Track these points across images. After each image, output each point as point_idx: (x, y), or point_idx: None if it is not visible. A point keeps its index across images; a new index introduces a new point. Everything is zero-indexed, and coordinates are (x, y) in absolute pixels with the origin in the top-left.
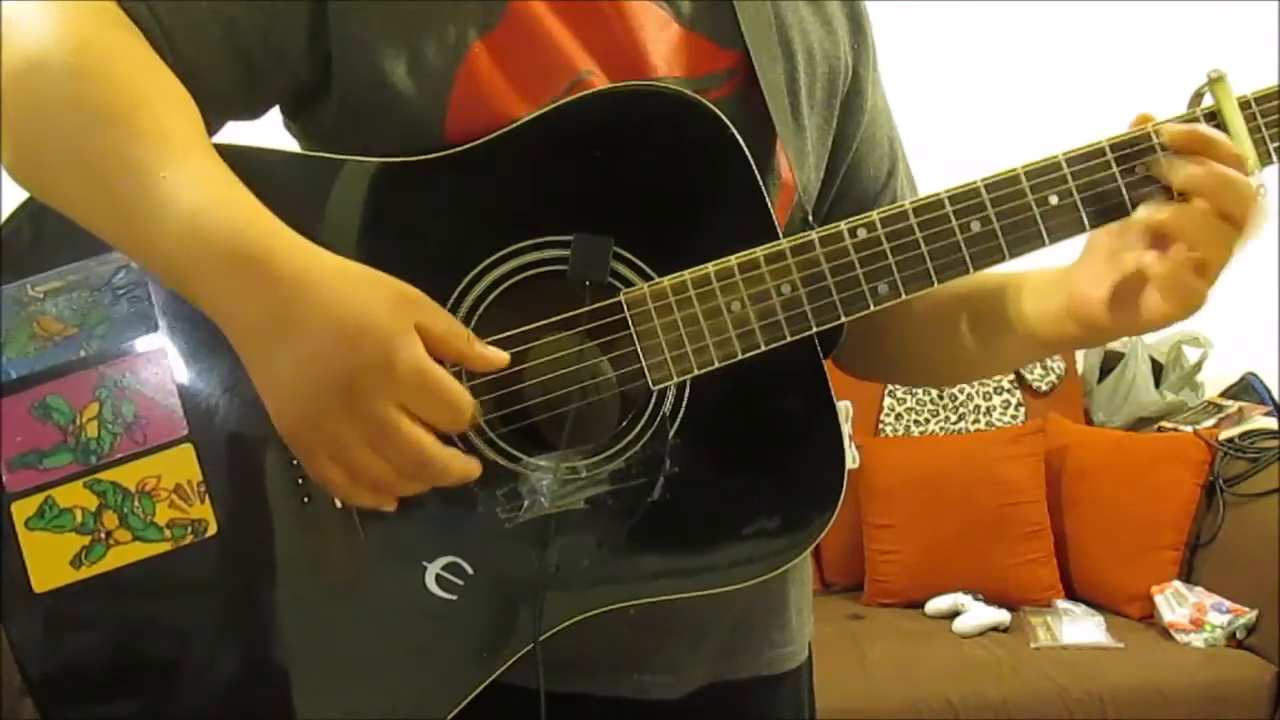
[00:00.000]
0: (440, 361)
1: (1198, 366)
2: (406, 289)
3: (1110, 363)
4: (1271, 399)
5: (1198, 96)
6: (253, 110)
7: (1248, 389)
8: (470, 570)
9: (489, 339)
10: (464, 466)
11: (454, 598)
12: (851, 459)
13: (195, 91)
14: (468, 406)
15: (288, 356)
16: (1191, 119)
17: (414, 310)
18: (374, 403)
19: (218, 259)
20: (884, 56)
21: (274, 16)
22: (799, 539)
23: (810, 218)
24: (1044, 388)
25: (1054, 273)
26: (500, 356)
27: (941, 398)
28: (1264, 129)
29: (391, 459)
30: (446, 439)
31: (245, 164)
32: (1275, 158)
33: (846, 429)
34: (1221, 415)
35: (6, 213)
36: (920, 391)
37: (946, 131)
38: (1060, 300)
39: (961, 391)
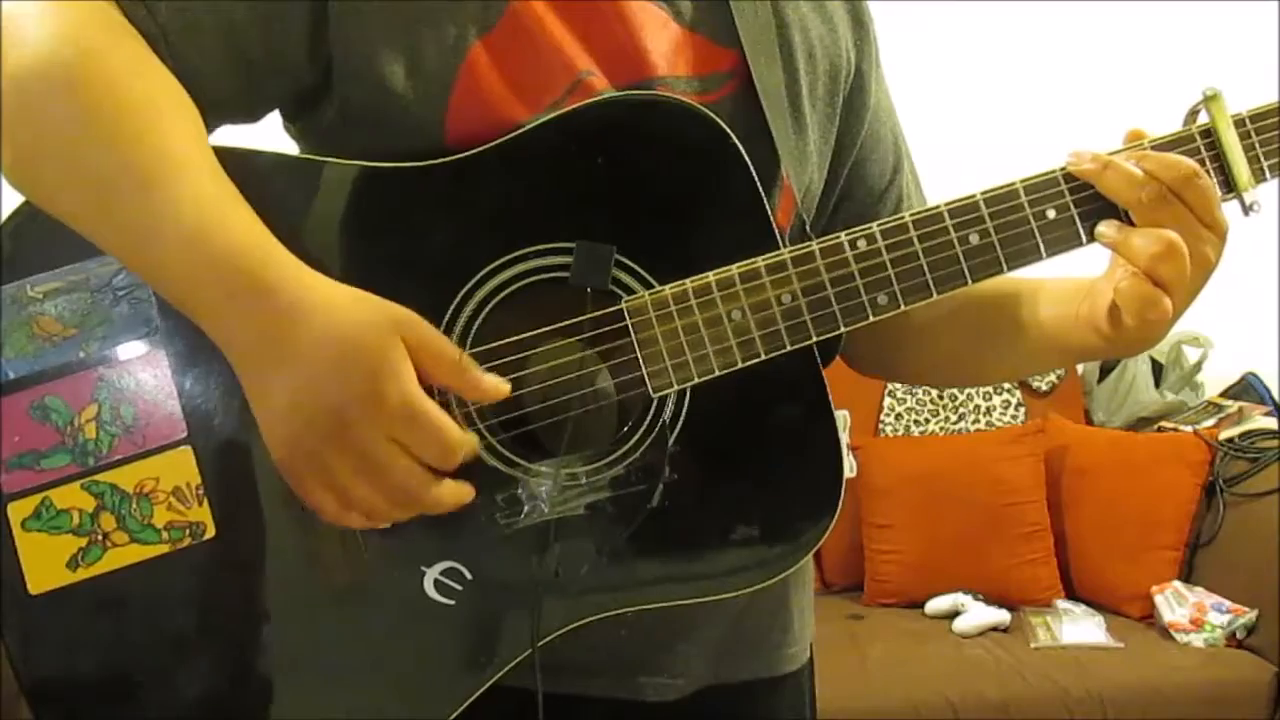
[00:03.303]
0: (448, 333)
1: (1198, 366)
2: (403, 315)
3: (1110, 363)
4: (1271, 399)
5: (1193, 114)
6: (252, 113)
7: (1248, 389)
8: (469, 575)
9: (490, 344)
10: (454, 497)
11: (452, 603)
12: (849, 468)
13: (193, 94)
14: (458, 442)
15: (281, 383)
16: (1185, 136)
17: (408, 336)
18: (364, 434)
19: (214, 282)
20: (886, 56)
21: (274, 19)
22: (797, 546)
23: (808, 225)
24: (1044, 388)
25: (1081, 281)
26: (497, 387)
27: (941, 398)
28: (1258, 147)
29: (381, 490)
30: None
31: (244, 167)
32: (1269, 175)
33: (844, 438)
34: (1221, 415)
35: (6, 213)
36: (920, 391)
37: (948, 132)
38: (1086, 308)
39: (962, 391)
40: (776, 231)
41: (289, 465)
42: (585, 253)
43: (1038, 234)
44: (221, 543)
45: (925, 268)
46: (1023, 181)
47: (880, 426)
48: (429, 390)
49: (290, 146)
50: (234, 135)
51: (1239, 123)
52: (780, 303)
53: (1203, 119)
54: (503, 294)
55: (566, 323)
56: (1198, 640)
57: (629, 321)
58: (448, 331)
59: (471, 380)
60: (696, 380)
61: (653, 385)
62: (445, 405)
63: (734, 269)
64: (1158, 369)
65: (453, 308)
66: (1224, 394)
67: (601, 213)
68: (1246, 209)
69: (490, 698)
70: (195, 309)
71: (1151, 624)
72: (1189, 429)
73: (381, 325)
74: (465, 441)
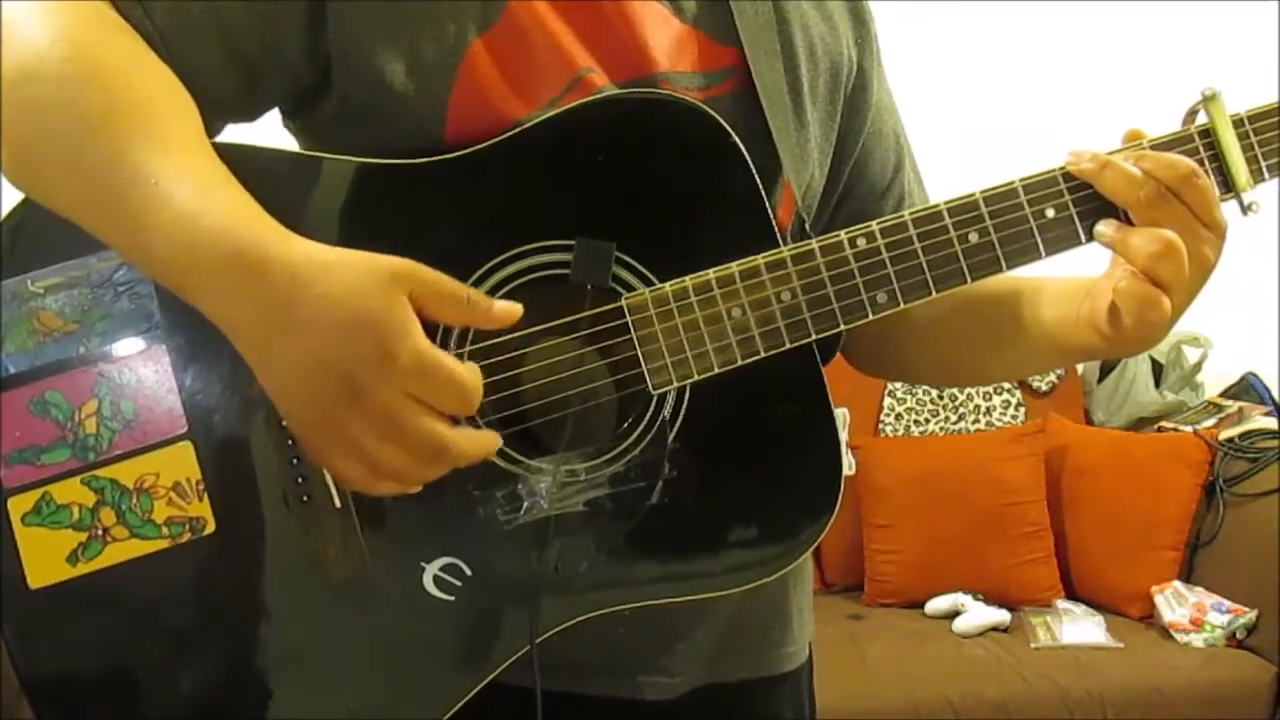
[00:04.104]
0: (449, 330)
1: (1198, 366)
2: (399, 264)
3: (1110, 362)
4: (1271, 399)
5: (1192, 114)
6: (251, 112)
7: (1248, 389)
8: (468, 571)
9: (490, 343)
10: (481, 444)
11: (452, 599)
12: (848, 465)
13: (192, 93)
14: (474, 386)
15: (288, 356)
16: (1184, 136)
17: (409, 285)
18: (379, 395)
19: (212, 262)
20: (887, 55)
21: (271, 18)
22: (795, 544)
23: (809, 223)
24: (1044, 388)
25: (1081, 281)
26: (511, 310)
27: (941, 398)
28: (1256, 147)
29: (406, 448)
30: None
31: (244, 164)
32: (1267, 175)
33: (843, 435)
34: (1221, 415)
35: (7, 209)
36: (920, 391)
37: (949, 131)
38: (1086, 307)
39: (962, 391)
40: (776, 229)
41: (309, 438)
42: (585, 250)
43: (1037, 233)
44: (221, 538)
45: (925, 266)
46: (1022, 181)
47: (880, 426)
48: (431, 334)
49: (290, 143)
50: (234, 133)
51: (1238, 123)
52: (780, 300)
53: (1201, 119)
54: (503, 291)
55: (566, 320)
56: (1198, 640)
57: (629, 319)
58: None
59: (481, 311)
60: (696, 378)
61: (652, 382)
62: None
63: (734, 267)
64: (1158, 369)
65: None
66: (1224, 394)
67: (601, 210)
68: (1245, 209)
69: (490, 696)
70: (194, 292)
71: (1151, 624)
72: (1189, 429)
73: (380, 281)
74: (478, 381)
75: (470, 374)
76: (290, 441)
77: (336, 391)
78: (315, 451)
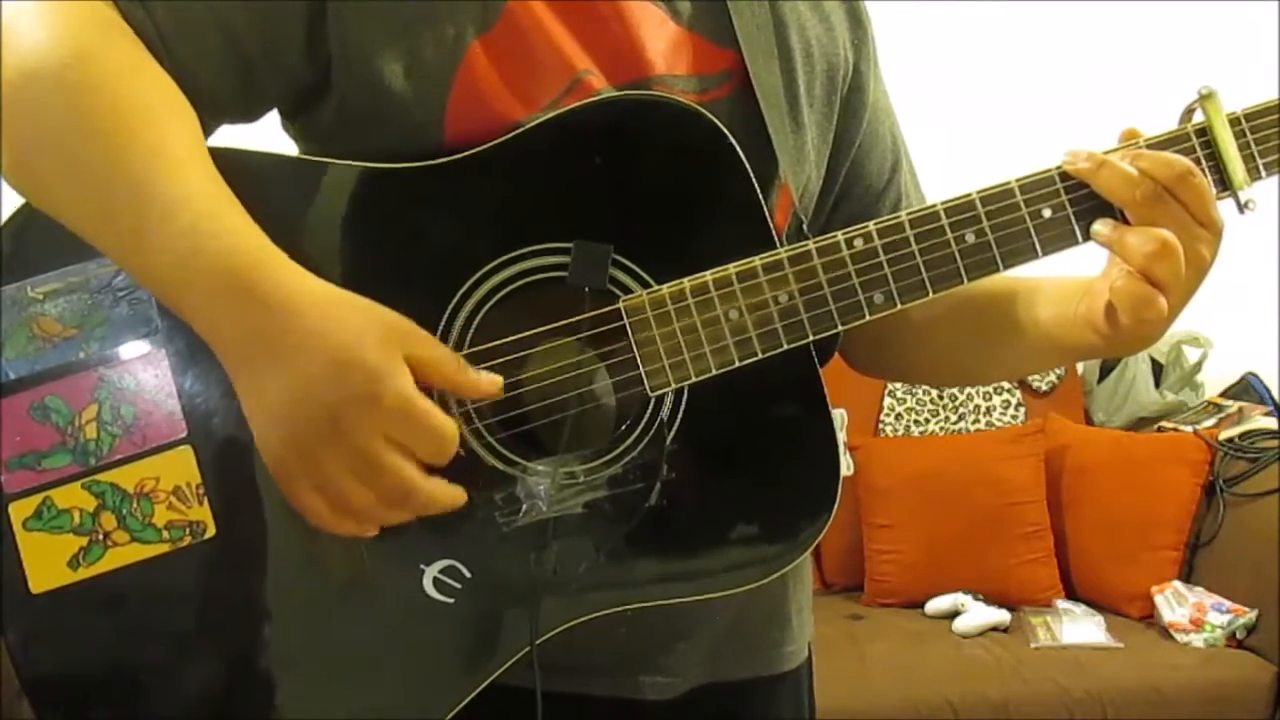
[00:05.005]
0: (431, 390)
1: (1198, 366)
2: (397, 319)
3: (1110, 362)
4: (1271, 399)
5: (1188, 113)
6: (249, 113)
7: (1248, 389)
8: (468, 574)
9: (489, 345)
10: (449, 496)
11: (451, 601)
12: (846, 466)
13: (191, 94)
14: (453, 436)
15: (275, 384)
16: (1180, 134)
17: (403, 340)
18: (360, 433)
19: (209, 282)
20: (884, 56)
21: (271, 19)
22: (794, 544)
23: (806, 225)
24: (1044, 388)
25: (1079, 281)
26: (494, 383)
27: (941, 398)
28: (1253, 145)
29: (375, 489)
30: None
31: (242, 168)
32: (1264, 174)
33: (841, 436)
34: (1221, 415)
35: (7, 213)
36: (920, 391)
37: (946, 132)
38: (1083, 307)
39: (962, 391)
40: (774, 231)
41: (281, 466)
42: (583, 252)
43: (1034, 233)
44: (222, 542)
45: (922, 266)
46: (1019, 180)
47: (880, 426)
48: (425, 391)
49: (289, 146)
50: (234, 135)
51: (1234, 121)
52: (777, 302)
53: (1198, 118)
54: (501, 294)
55: (564, 322)
56: (1198, 640)
57: (626, 321)
58: (446, 330)
59: (469, 381)
60: (694, 379)
61: (650, 384)
62: (444, 405)
63: (731, 268)
64: (1158, 369)
65: (451, 307)
66: (1224, 394)
67: (599, 212)
68: (1241, 207)
69: (491, 697)
70: (188, 309)
71: (1151, 624)
72: (1189, 429)
73: (377, 329)
74: (455, 432)
75: (449, 425)
76: None
77: (317, 424)
78: (283, 481)
